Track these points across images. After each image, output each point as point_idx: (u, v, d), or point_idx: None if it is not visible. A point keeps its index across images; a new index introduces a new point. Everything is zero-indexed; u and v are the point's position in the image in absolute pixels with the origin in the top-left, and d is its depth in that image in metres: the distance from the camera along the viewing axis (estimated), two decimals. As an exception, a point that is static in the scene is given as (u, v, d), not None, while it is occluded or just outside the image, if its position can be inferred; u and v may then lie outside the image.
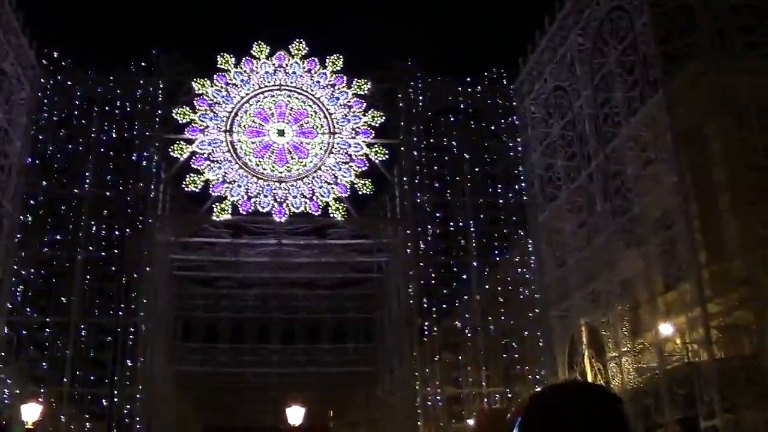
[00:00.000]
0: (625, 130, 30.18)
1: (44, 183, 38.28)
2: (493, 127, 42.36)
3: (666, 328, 27.60)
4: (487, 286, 40.45)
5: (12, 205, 35.56)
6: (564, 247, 36.52)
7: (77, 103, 39.96)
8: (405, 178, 40.73)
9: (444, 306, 39.85)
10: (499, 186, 41.50)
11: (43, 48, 38.73)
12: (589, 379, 33.44)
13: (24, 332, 36.17)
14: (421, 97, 41.96)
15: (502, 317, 39.89)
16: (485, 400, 38.79)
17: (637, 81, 29.50)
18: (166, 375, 42.67)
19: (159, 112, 40.15)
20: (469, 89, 42.52)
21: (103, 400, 35.98)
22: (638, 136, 29.69)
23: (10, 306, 35.52)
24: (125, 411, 35.83)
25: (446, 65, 42.83)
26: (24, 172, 37.13)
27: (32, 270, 36.98)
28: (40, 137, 38.59)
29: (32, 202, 37.62)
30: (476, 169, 41.44)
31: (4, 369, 34.60)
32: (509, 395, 38.85)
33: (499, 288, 40.72)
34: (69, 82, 39.88)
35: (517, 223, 40.73)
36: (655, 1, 29.01)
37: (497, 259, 40.81)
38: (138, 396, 35.92)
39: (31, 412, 29.02)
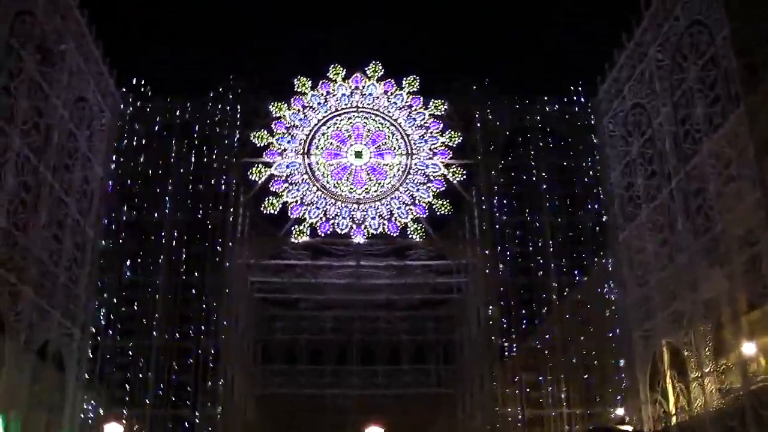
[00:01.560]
0: (706, 146, 29.48)
1: (125, 208, 39.05)
2: (571, 147, 41.92)
3: (750, 348, 26.75)
4: (567, 307, 39.85)
5: (94, 231, 36.36)
6: (645, 266, 35.76)
7: (156, 129, 40.80)
8: (483, 198, 40.53)
9: (524, 326, 39.47)
10: (579, 205, 40.98)
11: (122, 76, 39.68)
12: (671, 400, 32.73)
13: (107, 355, 36.82)
14: (498, 117, 41.77)
15: (583, 337, 39.25)
16: (565, 421, 38.20)
17: (718, 96, 28.79)
18: (246, 397, 42.99)
19: (237, 136, 40.74)
20: (546, 108, 42.18)
21: (185, 423, 36.42)
22: (720, 152, 28.94)
23: (94, 330, 36.25)
24: (207, 432, 36.21)
25: (523, 85, 42.44)
26: (105, 198, 37.98)
27: (114, 294, 37.68)
28: (121, 163, 39.42)
29: (113, 227, 38.40)
30: (555, 189, 41.02)
31: (88, 391, 35.27)
32: (589, 417, 38.20)
33: (580, 308, 40.09)
34: (148, 109, 40.78)
35: (597, 242, 40.14)
36: (735, 14, 28.37)
37: (577, 279, 40.22)
38: (219, 417, 36.26)
39: (113, 432, 29.48)
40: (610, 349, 38.28)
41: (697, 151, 30.42)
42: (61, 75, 32.29)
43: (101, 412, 35.01)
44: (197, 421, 36.19)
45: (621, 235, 37.87)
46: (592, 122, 41.27)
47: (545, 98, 42.42)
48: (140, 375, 36.67)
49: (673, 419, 32.67)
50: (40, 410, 30.17)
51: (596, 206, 40.43)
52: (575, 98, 42.04)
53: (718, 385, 28.91)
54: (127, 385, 36.72)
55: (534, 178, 41.22)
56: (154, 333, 37.24)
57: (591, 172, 41.10)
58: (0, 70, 27.16)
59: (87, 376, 35.16)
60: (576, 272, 40.16)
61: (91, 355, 35.74)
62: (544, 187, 41.02)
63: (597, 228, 40.12)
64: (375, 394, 48.12)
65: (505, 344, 38.69)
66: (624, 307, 37.41)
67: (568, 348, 39.00)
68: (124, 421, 31.81)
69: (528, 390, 39.47)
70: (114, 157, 39.17)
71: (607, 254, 39.36)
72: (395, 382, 49.11)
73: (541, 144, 41.85)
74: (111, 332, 37.22)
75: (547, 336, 39.58)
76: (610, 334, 38.25)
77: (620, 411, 36.23)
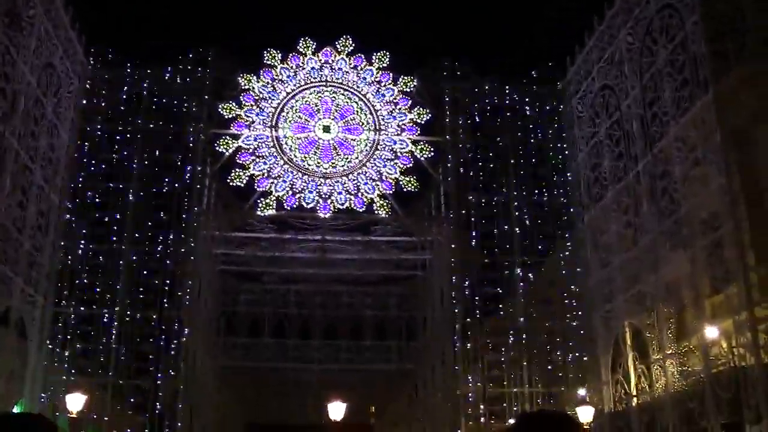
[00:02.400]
0: (674, 130, 29.73)
1: (90, 176, 38.70)
2: (539, 127, 42.07)
3: (712, 332, 27.18)
4: (531, 286, 40.12)
5: (59, 198, 36.06)
6: (609, 247, 36.11)
7: (124, 97, 40.39)
8: (450, 176, 40.59)
9: (487, 305, 39.70)
10: (545, 185, 41.15)
11: (91, 43, 39.23)
12: (633, 381, 33.15)
13: (70, 324, 36.58)
14: (467, 95, 41.82)
15: (546, 317, 39.56)
16: (527, 399, 38.53)
17: (687, 81, 28.99)
18: (209, 369, 42.95)
19: (205, 107, 40.43)
20: (515, 88, 42.25)
21: (147, 393, 36.34)
22: (686, 136, 29.20)
23: (56, 298, 36.04)
24: (168, 404, 36.13)
25: (492, 63, 42.53)
26: (71, 166, 37.64)
27: (78, 263, 37.41)
28: (87, 131, 39.06)
29: (78, 196, 38.08)
30: (521, 169, 41.15)
31: (51, 360, 35.11)
32: (551, 396, 38.59)
33: (544, 288, 40.37)
34: (116, 77, 40.31)
35: (562, 222, 40.41)
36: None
37: (542, 258, 40.49)
38: (181, 387, 36.22)
39: (75, 402, 29.38)
40: (573, 329, 38.66)
41: (664, 135, 30.67)
42: (29, 40, 31.83)
43: (63, 380, 34.79)
44: (159, 393, 36.07)
45: (586, 216, 38.19)
46: (561, 103, 41.42)
47: (515, 78, 42.44)
48: (102, 345, 36.42)
49: (634, 400, 33.12)
50: (1, 377, 29.99)
51: (563, 187, 40.63)
52: (544, 78, 42.03)
53: (680, 368, 29.34)
54: (89, 355, 36.49)
55: (502, 158, 41.26)
56: (118, 302, 36.93)
57: (558, 153, 41.28)
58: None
59: (49, 345, 34.98)
60: (541, 252, 40.36)
61: (54, 324, 35.55)
62: (511, 166, 41.06)
63: (563, 208, 40.32)
64: (337, 369, 48.33)
65: (468, 322, 38.85)
66: (587, 287, 37.79)
67: (531, 328, 39.24)
68: (86, 391, 31.57)
69: (490, 369, 39.68)
70: (80, 125, 38.73)
71: (572, 234, 39.66)
72: (358, 358, 49.36)
73: (509, 123, 41.88)
74: (74, 301, 36.91)
75: (510, 315, 39.77)
76: (574, 315, 38.62)
77: (582, 391, 36.63)
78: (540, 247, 40.27)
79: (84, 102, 39.19)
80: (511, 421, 36.78)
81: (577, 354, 38.35)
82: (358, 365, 48.77)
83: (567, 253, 40.02)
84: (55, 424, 4.23)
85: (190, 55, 40.76)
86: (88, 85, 39.48)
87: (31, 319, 33.33)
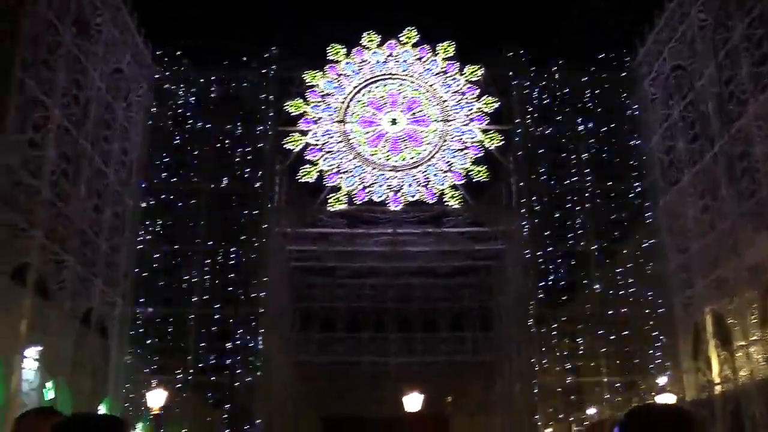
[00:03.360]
0: (752, 108, 28.86)
1: (163, 178, 39.20)
2: (610, 111, 41.34)
3: (798, 316, 26.38)
4: (607, 274, 39.43)
5: (134, 201, 36.65)
6: (687, 232, 35.30)
7: (192, 100, 40.82)
8: (521, 165, 40.14)
9: (563, 294, 39.21)
10: (619, 171, 40.40)
11: (157, 47, 39.69)
12: (715, 369, 32.36)
13: (149, 323, 37.16)
14: (535, 83, 41.30)
15: (623, 305, 38.85)
16: (606, 389, 37.95)
17: (766, 55, 28.17)
18: (284, 365, 43.17)
19: (272, 105, 40.60)
20: (584, 73, 41.54)
21: (225, 389, 36.71)
22: (766, 113, 28.37)
23: (135, 298, 36.63)
24: (245, 400, 36.45)
25: (559, 49, 41.68)
26: (144, 169, 38.21)
27: (155, 264, 37.94)
28: (158, 133, 39.58)
29: (152, 198, 38.61)
30: (593, 155, 40.48)
31: (131, 358, 35.72)
32: (629, 385, 37.97)
33: (620, 275, 39.62)
34: (183, 80, 40.79)
35: (637, 208, 39.63)
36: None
37: (617, 245, 39.74)
38: (257, 384, 36.52)
39: (156, 398, 29.78)
40: (651, 316, 37.90)
41: (742, 113, 29.80)
42: (97, 47, 32.35)
43: (145, 378, 35.37)
44: (236, 386, 36.43)
45: (662, 201, 37.42)
46: (632, 86, 40.62)
47: (583, 63, 41.69)
48: (181, 343, 36.97)
49: (717, 388, 32.32)
50: (84, 376, 30.62)
51: (637, 172, 39.83)
52: (615, 61, 41.28)
53: (765, 354, 28.50)
54: (169, 353, 37.04)
55: (573, 144, 40.66)
56: (195, 301, 37.46)
57: (631, 138, 40.51)
58: (39, 44, 27.25)
59: (130, 343, 35.64)
60: (616, 239, 39.62)
61: (133, 323, 36.18)
62: (583, 152, 40.44)
63: (638, 194, 39.54)
64: (412, 362, 48.14)
65: (544, 312, 38.44)
66: (665, 274, 37.01)
67: (607, 316, 38.59)
68: (166, 388, 31.99)
69: (567, 359, 39.17)
70: (151, 128, 39.25)
71: (648, 220, 38.87)
72: (433, 350, 49.13)
73: (579, 109, 41.22)
74: (152, 301, 37.48)
75: (586, 304, 39.18)
76: (652, 302, 37.86)
77: (662, 380, 35.90)
78: (615, 233, 39.55)
79: (154, 105, 39.65)
80: (592, 411, 36.40)
81: (656, 342, 37.59)
82: (433, 357, 48.51)
83: (643, 239, 39.20)
84: (126, 423, 4.39)
85: (255, 55, 40.93)
86: (156, 89, 39.93)
87: (112, 318, 33.98)
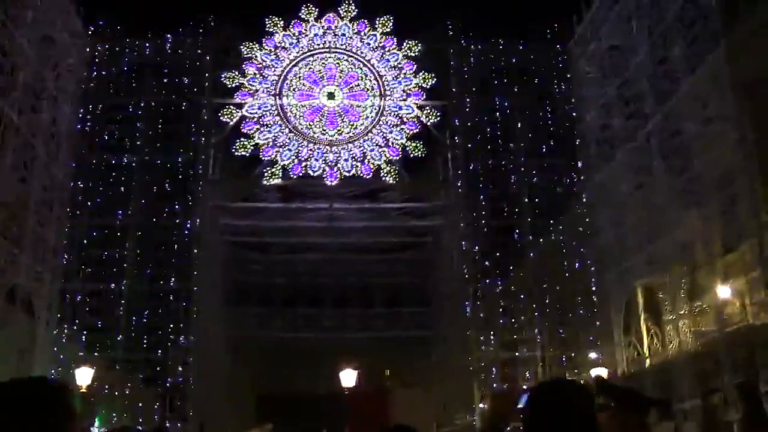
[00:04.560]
0: (685, 87, 29.17)
1: (94, 150, 38.39)
2: (546, 88, 41.49)
3: (725, 291, 26.71)
4: (541, 249, 39.70)
5: (63, 173, 35.71)
6: (620, 208, 35.63)
7: (125, 69, 39.96)
8: (457, 140, 40.15)
9: (498, 269, 39.36)
10: (554, 147, 40.59)
11: (89, 15, 38.71)
12: (645, 342, 32.82)
13: (78, 299, 36.41)
14: (472, 58, 41.23)
15: (557, 281, 39.18)
16: (540, 363, 38.31)
17: (697, 36, 28.45)
18: (219, 340, 42.73)
19: (207, 76, 39.98)
20: (521, 49, 41.59)
21: (158, 366, 36.27)
22: (699, 93, 28.64)
23: (64, 274, 35.79)
24: (179, 377, 36.05)
25: (497, 25, 41.67)
26: (73, 140, 37.22)
27: (85, 237, 37.17)
28: (89, 104, 38.66)
29: (82, 170, 37.78)
30: (529, 131, 40.60)
31: (59, 336, 34.94)
32: (564, 359, 38.35)
33: (554, 251, 39.94)
34: (116, 49, 39.83)
35: (572, 184, 39.90)
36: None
37: (552, 221, 40.03)
38: (191, 359, 36.13)
39: (84, 376, 29.24)
40: (584, 291, 38.24)
41: (675, 93, 30.10)
42: (25, 13, 31.37)
43: (73, 357, 34.64)
44: (169, 363, 35.99)
45: (596, 177, 37.68)
46: (568, 63, 40.78)
47: (520, 39, 41.73)
48: (112, 319, 36.30)
49: (647, 361, 32.80)
50: (11, 354, 29.84)
51: (571, 149, 40.05)
52: (551, 39, 41.33)
53: (693, 328, 28.97)
54: (98, 330, 36.37)
55: (509, 120, 40.74)
56: (126, 275, 36.81)
57: (566, 114, 40.69)
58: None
59: (57, 320, 34.79)
60: (551, 214, 39.88)
61: (61, 299, 35.30)
62: (519, 128, 40.55)
63: (573, 170, 39.78)
64: (349, 338, 47.97)
65: (480, 287, 38.57)
66: (598, 249, 37.35)
67: (542, 291, 38.91)
68: (95, 365, 31.40)
69: (503, 333, 39.39)
70: (82, 98, 38.31)
71: (582, 196, 39.15)
72: (370, 326, 48.97)
73: (515, 85, 41.28)
74: (81, 276, 36.72)
75: (521, 279, 39.42)
76: (585, 277, 38.21)
77: (594, 354, 36.31)
78: (550, 209, 39.77)
79: (85, 75, 38.71)
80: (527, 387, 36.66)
81: (589, 316, 37.96)
82: (370, 333, 48.41)
83: (578, 214, 39.49)
84: (67, 389, 3.95)
85: (190, 24, 40.23)
86: (88, 58, 38.97)
87: (39, 295, 33.01)
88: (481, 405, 37.53)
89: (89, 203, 37.74)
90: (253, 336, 46.90)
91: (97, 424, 33.38)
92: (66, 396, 3.86)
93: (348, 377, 33.19)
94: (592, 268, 37.98)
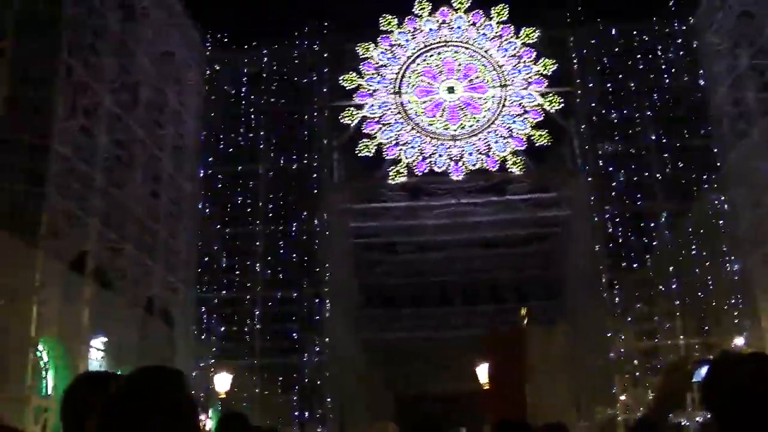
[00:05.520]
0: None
1: (219, 161, 38.97)
2: (672, 67, 39.96)
3: None
4: (678, 233, 38.22)
5: (190, 185, 36.36)
6: (761, 186, 33.93)
7: (244, 79, 40.44)
8: (583, 127, 39.07)
9: (632, 257, 38.11)
10: (683, 128, 39.02)
11: (205, 27, 39.38)
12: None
13: (213, 308, 37.05)
14: (593, 41, 40.08)
15: (696, 265, 37.63)
16: (682, 351, 36.86)
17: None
18: (351, 343, 42.76)
19: (326, 80, 40.09)
20: (644, 28, 40.20)
21: (293, 370, 36.52)
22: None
23: (197, 284, 36.43)
24: (316, 380, 36.20)
25: (615, 2, 40.38)
26: (199, 152, 37.94)
27: (215, 248, 37.75)
28: (212, 115, 39.27)
29: (209, 181, 38.41)
30: (657, 112, 39.16)
31: (196, 344, 35.58)
32: (707, 346, 36.78)
33: (692, 235, 38.39)
34: (234, 59, 40.37)
35: (706, 165, 38.23)
36: None
37: (688, 204, 38.44)
38: (327, 363, 36.25)
39: (222, 382, 29.62)
40: (727, 275, 36.60)
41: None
42: (145, 31, 32.02)
43: (211, 364, 35.23)
44: (306, 370, 36.20)
45: (731, 156, 36.02)
46: (695, 38, 39.18)
47: (643, 18, 40.29)
48: (246, 326, 36.73)
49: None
50: (153, 363, 30.33)
51: (703, 128, 38.40)
52: (674, 14, 39.81)
53: None
54: (234, 338, 36.89)
55: (636, 103, 39.40)
56: (258, 284, 37.23)
57: (695, 92, 39.07)
58: (84, 30, 26.99)
59: (194, 329, 35.46)
60: (686, 197, 38.30)
61: (196, 309, 35.99)
62: (646, 110, 39.20)
63: (706, 150, 38.12)
64: (479, 334, 47.30)
65: (615, 276, 37.43)
66: (739, 230, 35.69)
67: (681, 277, 37.42)
68: (232, 371, 31.82)
69: (641, 322, 38.12)
70: (204, 110, 38.97)
71: (718, 176, 37.49)
72: (500, 321, 48.29)
73: (640, 66, 39.89)
74: (214, 285, 37.33)
75: (658, 264, 38.02)
76: (727, 260, 36.57)
77: (739, 340, 34.68)
78: (685, 192, 38.21)
79: (206, 87, 39.35)
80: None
81: (732, 302, 36.26)
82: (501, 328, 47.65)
83: (712, 195, 37.84)
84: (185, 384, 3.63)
85: (305, 31, 40.36)
86: (208, 70, 39.59)
87: (175, 305, 33.78)
88: (622, 397, 36.45)
89: (218, 213, 38.32)
90: (384, 337, 46.77)
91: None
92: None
93: (483, 372, 32.85)
94: (734, 253, 36.26)
